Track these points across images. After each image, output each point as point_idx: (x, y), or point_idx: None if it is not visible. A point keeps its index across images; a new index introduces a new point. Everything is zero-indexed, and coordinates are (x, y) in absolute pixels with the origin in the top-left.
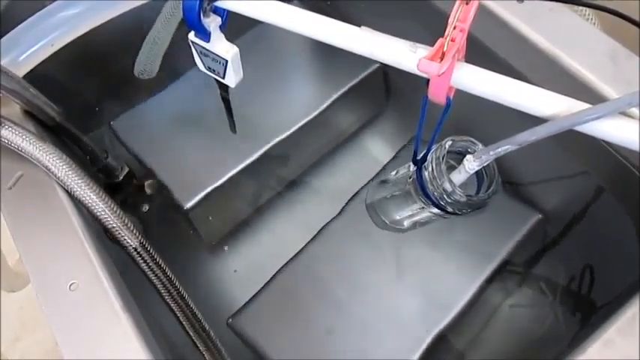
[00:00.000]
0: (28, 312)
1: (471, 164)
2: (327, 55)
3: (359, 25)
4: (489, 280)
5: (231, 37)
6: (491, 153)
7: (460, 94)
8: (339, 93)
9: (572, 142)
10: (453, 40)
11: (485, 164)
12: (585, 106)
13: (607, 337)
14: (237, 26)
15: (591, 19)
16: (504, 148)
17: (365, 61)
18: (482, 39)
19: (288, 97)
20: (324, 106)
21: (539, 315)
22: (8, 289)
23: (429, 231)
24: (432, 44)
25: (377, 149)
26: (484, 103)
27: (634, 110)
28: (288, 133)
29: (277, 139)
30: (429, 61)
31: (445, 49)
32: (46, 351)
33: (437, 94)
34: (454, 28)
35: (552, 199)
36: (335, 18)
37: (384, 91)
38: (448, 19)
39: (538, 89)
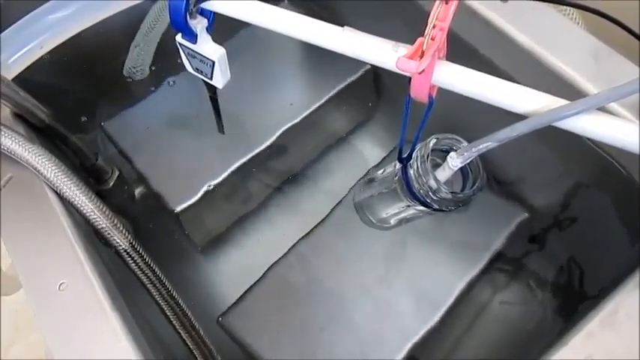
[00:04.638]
0: (23, 315)
1: (454, 161)
2: (318, 57)
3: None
4: (477, 278)
5: (222, 39)
6: (473, 150)
7: (448, 93)
8: (330, 95)
9: (559, 141)
10: (432, 39)
11: (468, 161)
12: (564, 102)
13: (589, 330)
14: (228, 28)
15: (575, 18)
16: (486, 144)
17: (355, 63)
18: (467, 39)
19: (278, 99)
20: (315, 107)
21: (528, 312)
22: (2, 292)
23: (419, 230)
24: None
25: (368, 150)
26: (472, 102)
27: (613, 106)
28: (278, 134)
29: (269, 141)
30: (407, 59)
31: (424, 47)
32: (40, 354)
33: (419, 93)
34: (433, 27)
35: (540, 197)
36: (324, 19)
37: (375, 93)
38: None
39: (518, 86)
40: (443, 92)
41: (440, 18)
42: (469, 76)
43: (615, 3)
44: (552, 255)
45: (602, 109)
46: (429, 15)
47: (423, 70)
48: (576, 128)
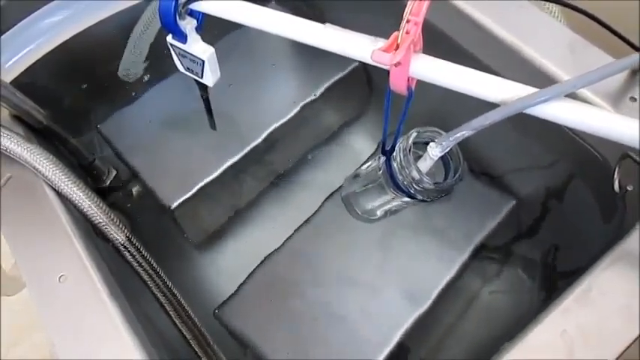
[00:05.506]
0: (25, 316)
1: (433, 151)
2: (308, 55)
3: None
4: (467, 266)
5: (215, 38)
6: (451, 139)
7: (438, 91)
8: (320, 91)
9: (543, 132)
10: (407, 33)
11: (447, 150)
12: (535, 91)
13: (564, 307)
14: (221, 27)
15: (557, 16)
16: (462, 133)
17: (344, 60)
18: (452, 35)
19: (270, 97)
20: (305, 103)
21: (518, 299)
22: (4, 292)
23: (408, 221)
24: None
25: (360, 145)
26: (463, 99)
27: (584, 92)
28: (271, 130)
29: (261, 138)
30: (381, 52)
31: (399, 41)
32: (44, 354)
33: (397, 85)
34: (408, 21)
35: (526, 187)
36: (313, 19)
37: (367, 88)
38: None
39: (491, 76)
40: (433, 89)
41: (414, 13)
42: (444, 68)
43: (597, 3)
44: (540, 243)
45: (577, 98)
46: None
47: (400, 63)
48: (546, 115)
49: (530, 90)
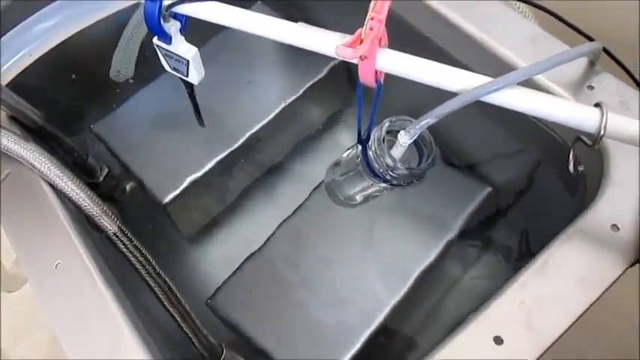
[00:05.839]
0: (25, 315)
1: (403, 138)
2: (293, 54)
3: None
4: (446, 251)
5: (204, 39)
6: (417, 126)
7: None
8: (304, 88)
9: (514, 123)
10: (371, 29)
11: (415, 136)
12: (490, 80)
13: (523, 280)
14: (210, 29)
15: (528, 16)
16: (426, 121)
17: (329, 57)
18: (428, 34)
19: (257, 94)
20: (291, 100)
21: (498, 284)
22: (5, 289)
23: (391, 209)
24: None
25: (344, 139)
26: (441, 89)
27: (546, 81)
28: (258, 127)
29: (249, 133)
30: (345, 47)
31: (363, 36)
32: (44, 354)
33: (366, 78)
34: (372, 18)
35: (502, 175)
36: (297, 17)
37: (348, 85)
38: (402, 19)
39: (451, 68)
40: (412, 84)
41: (376, 11)
42: (407, 61)
43: (567, 3)
44: (515, 227)
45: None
46: (395, 15)
47: (366, 57)
48: (501, 102)
49: (487, 80)
